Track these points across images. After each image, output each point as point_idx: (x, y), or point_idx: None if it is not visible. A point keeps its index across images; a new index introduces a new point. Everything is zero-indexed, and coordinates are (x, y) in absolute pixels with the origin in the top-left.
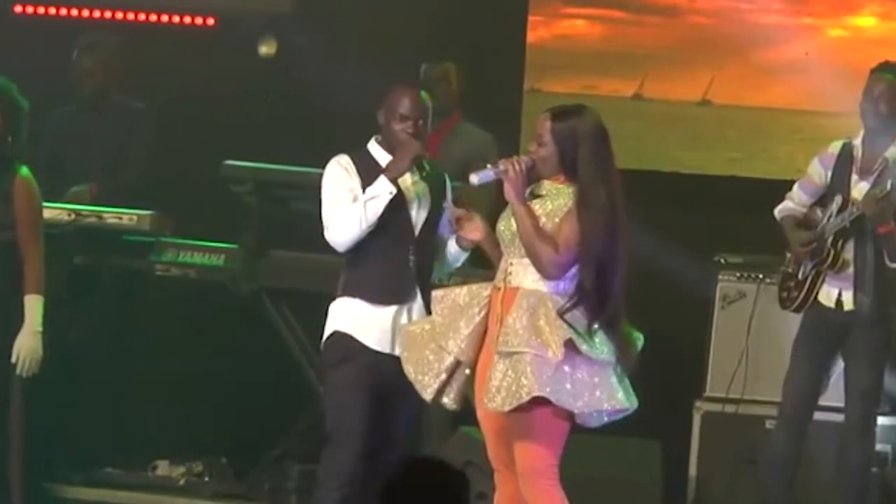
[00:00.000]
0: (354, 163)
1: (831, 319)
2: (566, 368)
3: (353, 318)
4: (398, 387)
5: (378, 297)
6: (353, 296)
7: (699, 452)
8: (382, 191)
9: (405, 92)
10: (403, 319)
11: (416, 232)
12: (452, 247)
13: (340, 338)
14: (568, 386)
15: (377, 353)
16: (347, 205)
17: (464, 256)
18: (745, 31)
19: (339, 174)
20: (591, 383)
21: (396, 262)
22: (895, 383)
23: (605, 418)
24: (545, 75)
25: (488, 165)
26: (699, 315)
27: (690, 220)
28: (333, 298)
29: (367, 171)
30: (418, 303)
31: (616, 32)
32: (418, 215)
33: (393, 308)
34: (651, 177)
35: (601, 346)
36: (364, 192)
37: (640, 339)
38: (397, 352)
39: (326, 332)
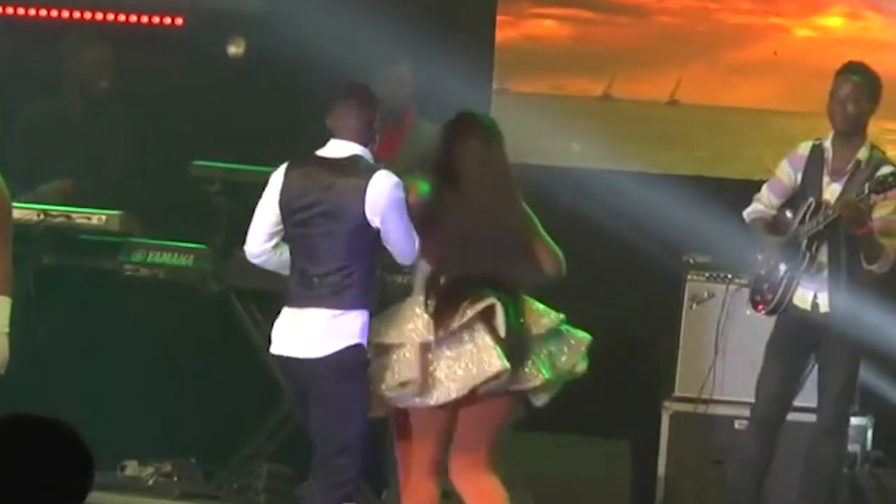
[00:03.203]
0: None
1: (806, 322)
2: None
3: (362, 328)
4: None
5: (373, 307)
6: (365, 307)
7: (668, 452)
8: None
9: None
10: None
11: None
12: None
13: (359, 349)
14: None
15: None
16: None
17: None
18: (713, 30)
19: None
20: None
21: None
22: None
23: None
24: (513, 75)
25: None
26: (668, 315)
27: (658, 220)
28: None
29: None
30: None
31: (584, 32)
32: None
33: None
34: (619, 176)
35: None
36: None
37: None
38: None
39: (347, 342)
